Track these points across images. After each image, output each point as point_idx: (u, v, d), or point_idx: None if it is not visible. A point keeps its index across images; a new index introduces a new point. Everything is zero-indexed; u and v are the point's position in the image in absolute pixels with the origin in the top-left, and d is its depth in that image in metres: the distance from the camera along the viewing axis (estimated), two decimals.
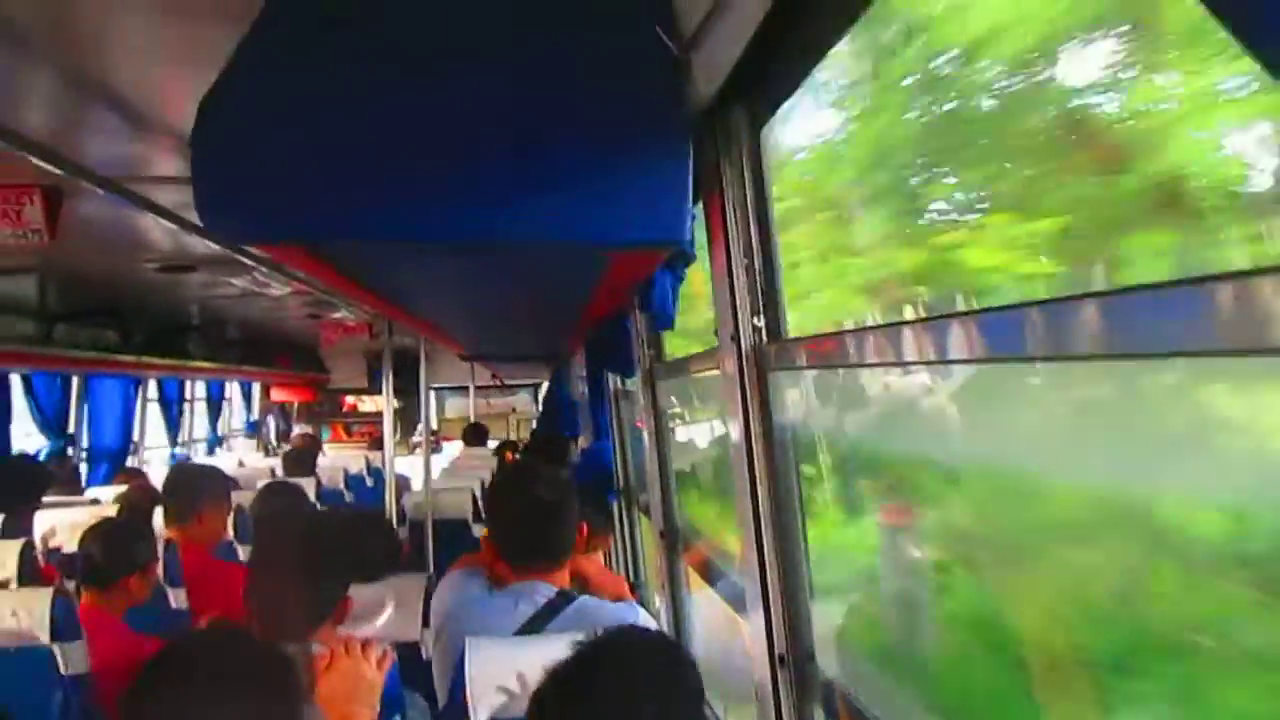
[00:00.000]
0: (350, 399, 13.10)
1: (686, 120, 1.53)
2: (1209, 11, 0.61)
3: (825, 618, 1.73)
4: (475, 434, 8.85)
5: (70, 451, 6.25)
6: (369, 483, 7.51)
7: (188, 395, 8.76)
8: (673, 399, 3.45)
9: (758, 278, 1.73)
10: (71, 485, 5.54)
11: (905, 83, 2.18)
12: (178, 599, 3.40)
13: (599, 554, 3.14)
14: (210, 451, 9.32)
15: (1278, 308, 0.64)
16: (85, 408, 6.57)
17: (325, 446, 11.03)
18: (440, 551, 4.77)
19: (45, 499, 4.44)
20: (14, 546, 3.36)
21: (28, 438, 5.94)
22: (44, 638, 2.50)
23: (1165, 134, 1.34)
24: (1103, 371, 0.93)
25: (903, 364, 1.23)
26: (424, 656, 2.69)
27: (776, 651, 1.73)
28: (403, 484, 6.12)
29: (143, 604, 2.96)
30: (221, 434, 9.91)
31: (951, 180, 2.20)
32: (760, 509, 1.74)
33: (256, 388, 11.24)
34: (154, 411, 8.05)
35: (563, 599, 2.18)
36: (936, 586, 2.36)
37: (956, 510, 2.26)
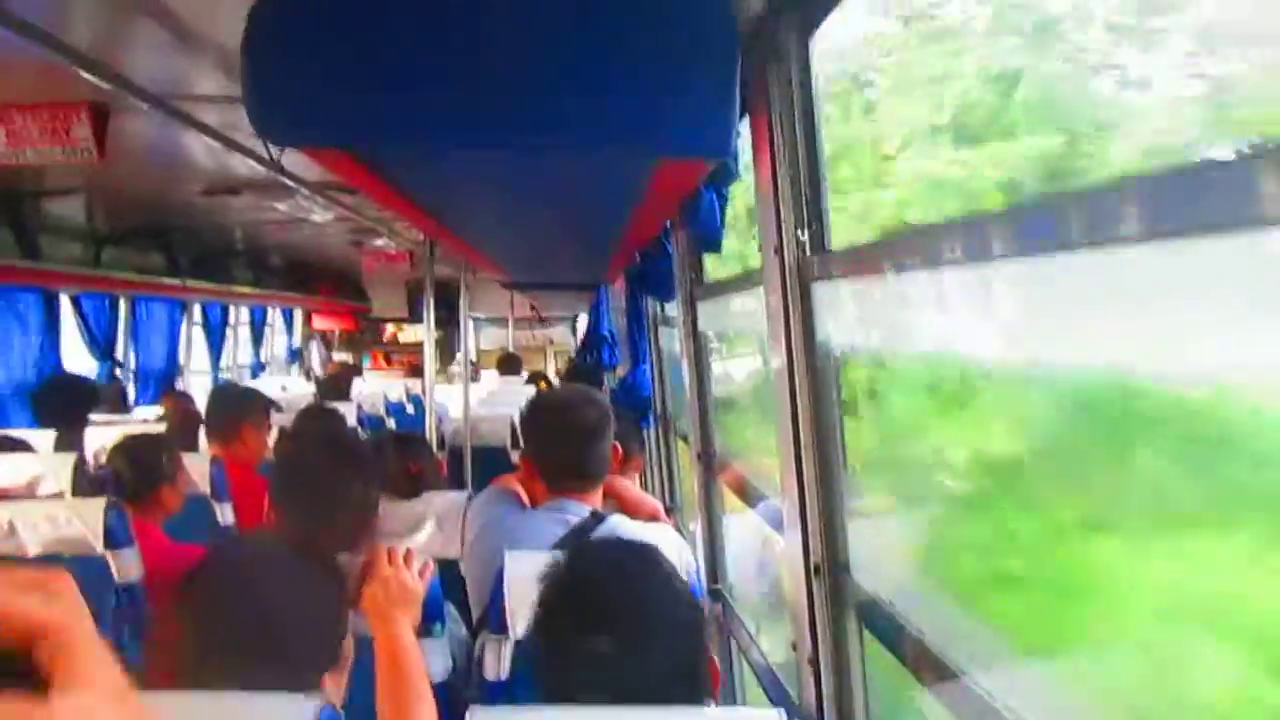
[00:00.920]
0: (390, 328, 13.22)
1: (734, 32, 1.51)
2: None
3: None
4: (509, 364, 8.92)
5: (119, 373, 6.37)
6: (409, 409, 7.60)
7: (231, 321, 8.86)
8: (709, 334, 3.44)
9: (803, 190, 1.71)
10: (119, 406, 5.65)
11: None
12: (224, 514, 3.49)
13: (635, 477, 3.17)
14: (254, 376, 9.46)
15: None
16: (133, 330, 6.66)
17: (366, 374, 11.15)
18: (479, 477, 4.84)
19: (95, 418, 4.55)
20: (67, 461, 3.45)
21: (76, 358, 6.05)
22: (98, 546, 2.56)
23: None
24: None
25: (951, 264, 1.21)
26: (463, 572, 2.74)
27: (812, 562, 1.75)
28: (441, 412, 6.19)
29: (178, 513, 3.03)
30: (265, 360, 10.04)
31: None
32: (800, 424, 1.75)
33: (299, 315, 11.34)
34: (199, 337, 8.17)
35: (594, 519, 2.21)
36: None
37: None
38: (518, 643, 1.94)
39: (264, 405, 4.04)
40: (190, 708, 1.23)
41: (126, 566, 2.60)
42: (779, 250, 1.75)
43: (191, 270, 6.90)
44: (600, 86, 1.47)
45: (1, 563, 2.55)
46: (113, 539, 2.59)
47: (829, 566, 1.72)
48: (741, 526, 3.24)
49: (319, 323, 11.93)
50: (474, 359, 11.12)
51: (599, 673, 1.34)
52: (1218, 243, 0.76)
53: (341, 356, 12.06)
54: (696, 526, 3.40)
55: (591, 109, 1.47)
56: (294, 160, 3.59)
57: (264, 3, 1.47)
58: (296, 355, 11.40)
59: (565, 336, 13.36)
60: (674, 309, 3.70)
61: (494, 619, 1.96)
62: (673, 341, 4.69)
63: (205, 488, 3.43)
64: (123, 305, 6.40)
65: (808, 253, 1.72)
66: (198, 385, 7.64)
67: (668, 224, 3.32)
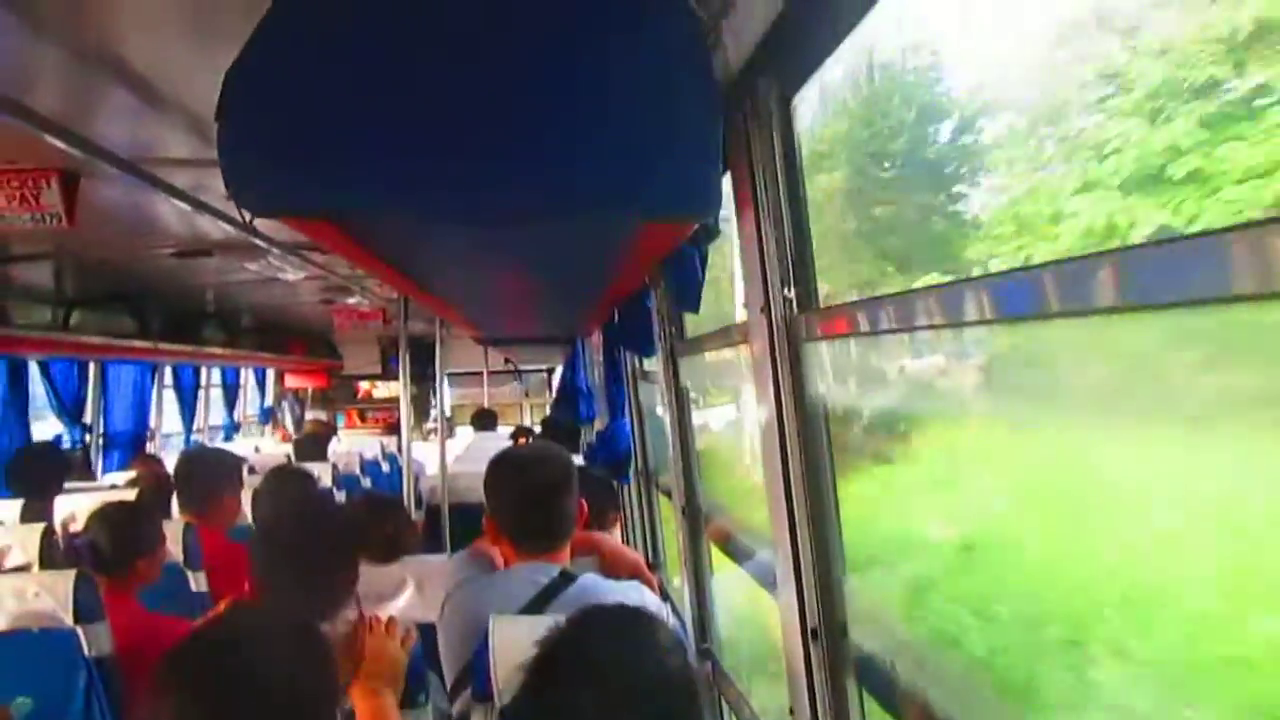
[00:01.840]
0: (364, 385, 13.15)
1: (716, 92, 1.52)
2: None
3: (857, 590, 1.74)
4: (484, 420, 8.87)
5: (88, 438, 6.27)
6: (384, 468, 7.53)
7: (203, 382, 8.78)
8: (689, 382, 3.45)
9: (788, 248, 1.71)
10: (84, 472, 5.56)
11: None
12: (197, 582, 3.42)
13: (613, 532, 3.13)
14: (227, 438, 9.36)
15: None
16: (102, 394, 6.58)
17: (340, 432, 11.05)
18: (457, 534, 4.78)
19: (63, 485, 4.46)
20: (35, 531, 3.38)
21: (43, 424, 5.96)
22: (67, 619, 2.52)
23: None
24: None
25: (947, 326, 1.21)
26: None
27: (809, 625, 1.72)
28: (418, 470, 6.13)
29: (154, 583, 2.97)
30: (238, 420, 9.94)
31: None
32: (792, 482, 1.73)
33: (271, 374, 11.27)
34: (171, 399, 8.08)
35: (564, 580, 2.16)
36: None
37: None
38: (503, 710, 1.90)
39: (237, 468, 3.98)
40: None
41: (98, 640, 2.55)
42: (765, 309, 1.75)
43: (162, 332, 6.83)
44: (581, 154, 1.46)
45: None
46: (83, 612, 2.54)
47: (826, 628, 1.70)
48: (728, 583, 3.21)
49: (291, 381, 11.85)
50: (449, 415, 11.05)
51: None
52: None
53: (315, 414, 11.96)
54: (682, 583, 3.38)
55: (572, 175, 1.46)
56: (266, 221, 3.58)
57: (238, 69, 1.46)
58: (269, 415, 11.30)
59: (541, 390, 13.34)
60: (653, 364, 3.70)
61: (478, 685, 1.92)
62: (652, 395, 4.70)
63: (179, 555, 3.37)
64: (92, 369, 6.32)
65: (795, 310, 1.72)
66: (171, 448, 7.54)
67: (646, 279, 3.33)
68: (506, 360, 11.18)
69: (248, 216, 3.19)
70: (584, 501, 2.34)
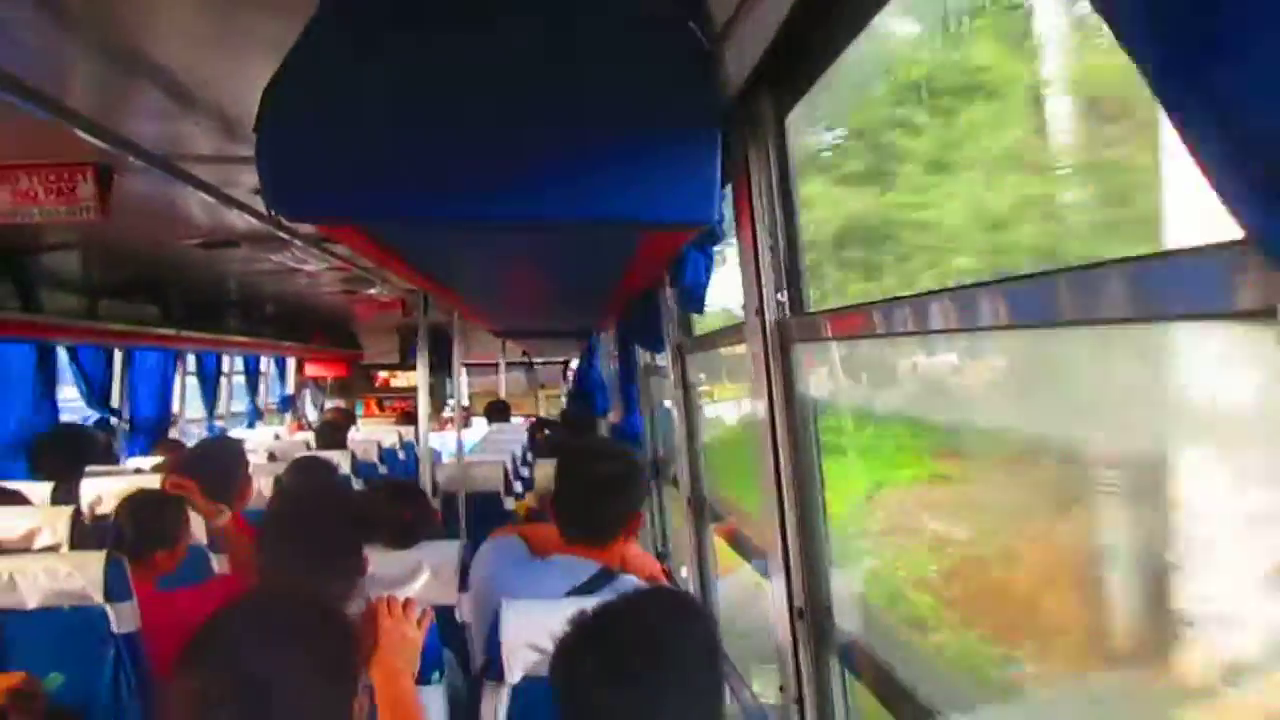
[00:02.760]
0: (382, 374, 13.24)
1: (717, 107, 1.62)
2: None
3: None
4: (497, 411, 8.95)
5: (114, 423, 6.38)
6: (401, 456, 7.63)
7: (225, 369, 8.89)
8: (701, 374, 3.53)
9: (781, 256, 1.80)
10: (107, 457, 5.64)
11: None
12: (221, 565, 3.51)
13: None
14: (250, 425, 9.47)
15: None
16: (128, 380, 6.69)
17: (359, 421, 11.14)
18: (473, 523, 4.87)
19: (89, 469, 4.56)
20: (64, 512, 3.48)
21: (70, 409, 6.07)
22: (98, 598, 2.59)
23: None
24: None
25: (925, 333, 1.30)
26: (459, 619, 2.78)
27: (796, 606, 1.81)
28: (434, 458, 6.22)
29: (171, 574, 3.02)
30: (260, 407, 10.04)
31: None
32: (782, 475, 1.82)
33: (291, 363, 11.37)
34: (194, 386, 8.19)
35: (603, 577, 2.21)
36: None
37: None
38: (513, 688, 1.98)
39: (243, 453, 4.05)
40: None
41: (126, 618, 2.63)
42: (759, 311, 1.85)
43: (185, 320, 6.95)
44: (588, 167, 1.57)
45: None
46: (113, 591, 2.61)
47: (811, 610, 1.79)
48: (730, 572, 3.30)
49: (311, 369, 11.95)
50: (465, 404, 11.14)
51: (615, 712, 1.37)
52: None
53: (334, 403, 12.05)
54: (688, 571, 3.46)
55: (580, 187, 1.56)
56: None
57: (277, 85, 1.56)
58: (289, 403, 11.41)
59: (556, 381, 13.39)
60: (662, 359, 3.78)
61: (492, 666, 2.01)
62: (662, 389, 4.77)
63: (203, 538, 3.46)
64: (118, 356, 6.43)
65: (787, 314, 1.82)
66: (193, 434, 7.66)
67: (657, 278, 3.41)
68: (523, 352, 11.26)
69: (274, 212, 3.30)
70: (640, 513, 2.38)
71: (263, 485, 4.28)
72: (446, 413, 10.92)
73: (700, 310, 2.76)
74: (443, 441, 7.06)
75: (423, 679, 2.04)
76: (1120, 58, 0.63)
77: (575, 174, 1.56)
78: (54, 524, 3.38)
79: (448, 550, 2.89)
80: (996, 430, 1.91)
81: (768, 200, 1.81)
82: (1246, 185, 0.54)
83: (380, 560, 2.65)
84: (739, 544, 2.78)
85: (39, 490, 4.06)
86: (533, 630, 1.96)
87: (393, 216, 1.69)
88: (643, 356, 5.04)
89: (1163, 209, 1.05)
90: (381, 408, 13.05)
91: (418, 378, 5.17)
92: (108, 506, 3.49)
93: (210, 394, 8.44)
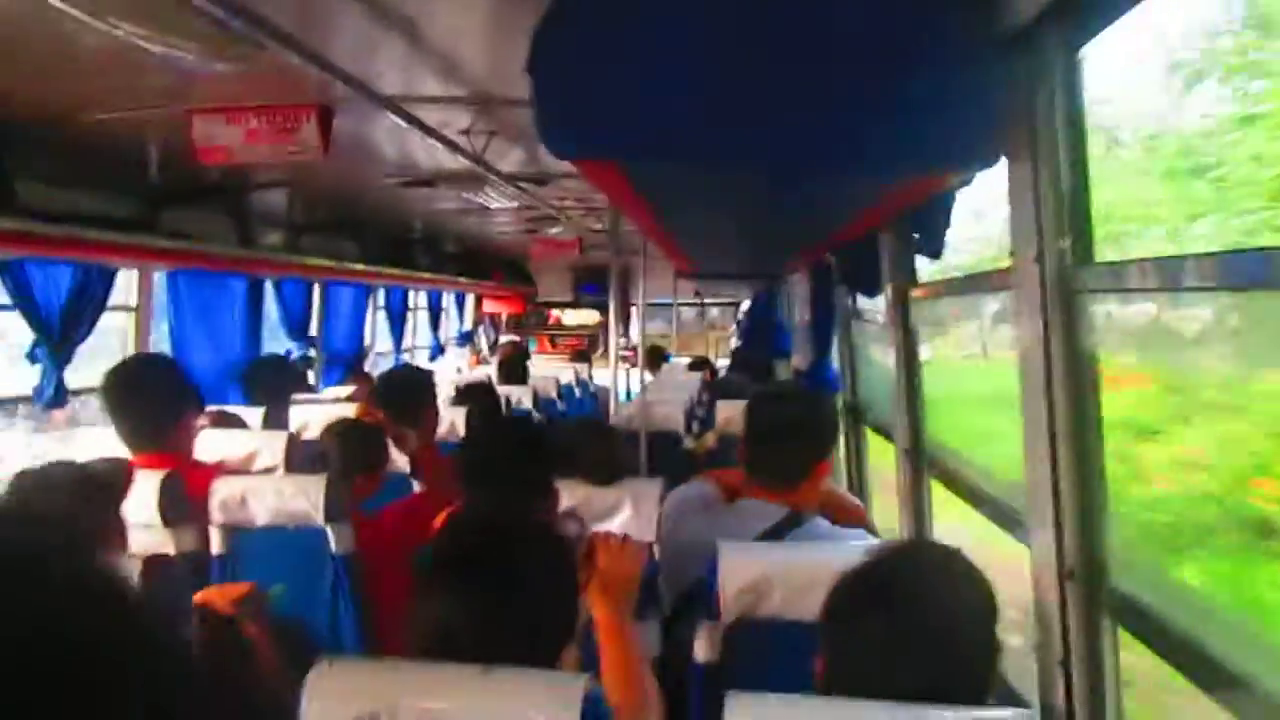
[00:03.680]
0: (555, 313, 13.51)
1: (998, 45, 1.50)
2: None
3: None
4: (654, 358, 8.97)
5: (313, 354, 6.71)
6: (578, 393, 7.76)
7: (411, 305, 9.22)
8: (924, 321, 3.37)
9: (1065, 200, 1.67)
10: (306, 386, 5.94)
11: None
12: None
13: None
14: (432, 358, 9.81)
15: None
16: (325, 314, 7.00)
17: (534, 357, 11.41)
18: (653, 462, 4.89)
19: (295, 396, 4.82)
20: (279, 437, 3.68)
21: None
22: (318, 519, 2.73)
23: None
24: None
25: (1233, 289, 1.15)
26: (654, 556, 2.79)
27: (1066, 566, 1.72)
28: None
29: (369, 498, 3.15)
30: (442, 341, 10.40)
31: None
32: (1058, 432, 1.71)
33: (470, 299, 11.71)
34: (382, 320, 8.53)
35: (792, 520, 2.20)
36: None
37: None
38: (728, 627, 1.97)
39: (431, 383, 4.18)
40: (459, 680, 1.29)
41: (344, 538, 2.76)
42: (1039, 259, 1.72)
43: (376, 257, 7.22)
44: (862, 114, 1.52)
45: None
46: (331, 513, 2.75)
47: (1085, 572, 1.70)
48: (951, 524, 3.16)
49: (489, 306, 12.29)
50: (635, 344, 11.24)
51: (889, 666, 1.33)
52: None
53: (508, 338, 12.38)
54: (902, 523, 3.36)
55: (853, 135, 1.52)
56: (495, 153, 3.73)
57: (548, 27, 1.57)
58: (468, 338, 11.78)
59: (726, 321, 13.35)
60: (869, 304, 3.64)
61: (707, 605, 1.99)
62: (865, 335, 4.65)
63: (405, 466, 3.59)
64: (316, 290, 6.74)
65: (1068, 262, 1.69)
66: (382, 366, 8.00)
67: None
68: (695, 292, 11.26)
69: (480, 148, 3.35)
70: (828, 462, 2.36)
71: (452, 417, 4.43)
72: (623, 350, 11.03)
73: (940, 254, 2.62)
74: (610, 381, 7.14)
75: (638, 614, 2.05)
76: None
77: (846, 121, 1.51)
78: (272, 447, 3.59)
79: (649, 488, 2.89)
80: None
81: (1049, 138, 1.66)
82: None
83: (583, 495, 2.69)
84: (976, 498, 2.65)
85: (252, 415, 4.31)
86: (748, 572, 1.94)
87: (658, 156, 1.67)
88: (844, 301, 4.89)
89: None
90: (554, 345, 13.34)
91: (607, 317, 5.20)
92: (313, 432, 3.67)
93: (398, 328, 8.78)
